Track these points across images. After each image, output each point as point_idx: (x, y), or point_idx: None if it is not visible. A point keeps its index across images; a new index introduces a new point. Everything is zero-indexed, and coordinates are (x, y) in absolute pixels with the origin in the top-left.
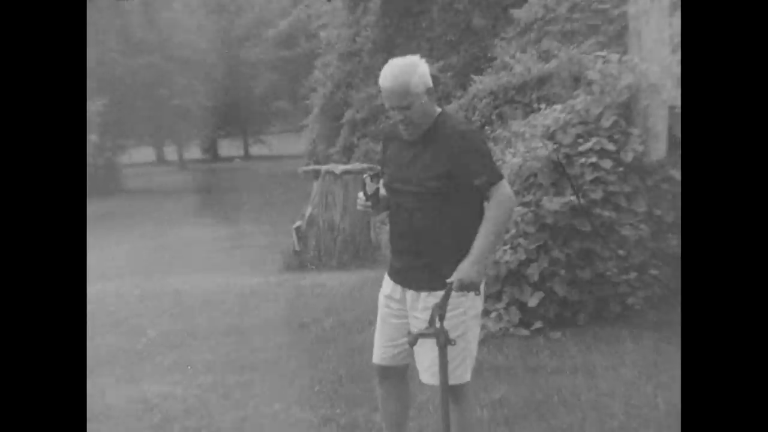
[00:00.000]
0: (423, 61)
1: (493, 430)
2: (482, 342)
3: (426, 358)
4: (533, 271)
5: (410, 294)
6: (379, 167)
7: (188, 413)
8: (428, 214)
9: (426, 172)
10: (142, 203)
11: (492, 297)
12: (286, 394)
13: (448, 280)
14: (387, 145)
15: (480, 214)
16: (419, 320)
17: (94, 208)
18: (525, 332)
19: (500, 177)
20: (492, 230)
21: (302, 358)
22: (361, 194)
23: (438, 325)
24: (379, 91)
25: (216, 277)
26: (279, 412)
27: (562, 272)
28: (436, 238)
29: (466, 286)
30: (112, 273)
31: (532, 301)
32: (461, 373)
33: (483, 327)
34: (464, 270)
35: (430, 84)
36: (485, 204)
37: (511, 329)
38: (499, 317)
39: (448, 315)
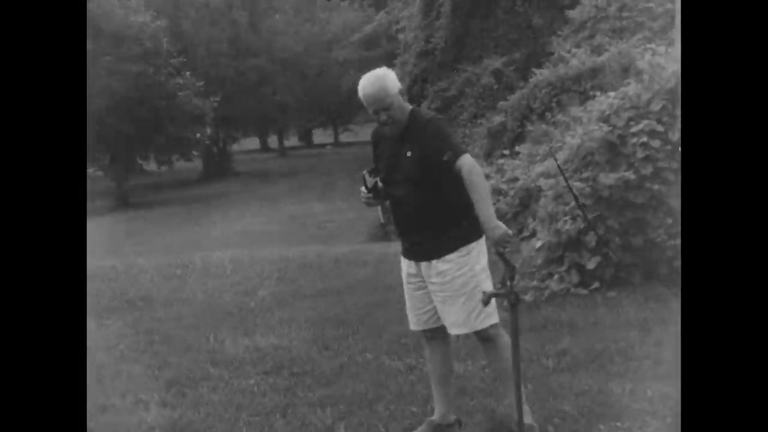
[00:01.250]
0: (390, 70)
1: (557, 376)
2: (546, 300)
3: (451, 314)
4: (591, 239)
5: (423, 265)
6: (374, 165)
7: (294, 362)
8: (419, 197)
9: (409, 162)
10: (250, 184)
11: (554, 261)
12: (376, 346)
13: (489, 244)
14: (377, 145)
15: (458, 187)
16: (437, 284)
17: (210, 189)
18: (584, 292)
19: (464, 151)
20: (483, 193)
21: (389, 314)
22: (363, 188)
23: (508, 285)
24: (451, 84)
25: (314, 246)
26: (371, 361)
27: (617, 239)
28: (430, 215)
29: (502, 240)
30: (228, 244)
31: (591, 264)
32: (485, 318)
33: (547, 287)
34: (491, 231)
35: (400, 86)
36: (461, 176)
37: (572, 289)
38: (561, 279)
39: (458, 273)
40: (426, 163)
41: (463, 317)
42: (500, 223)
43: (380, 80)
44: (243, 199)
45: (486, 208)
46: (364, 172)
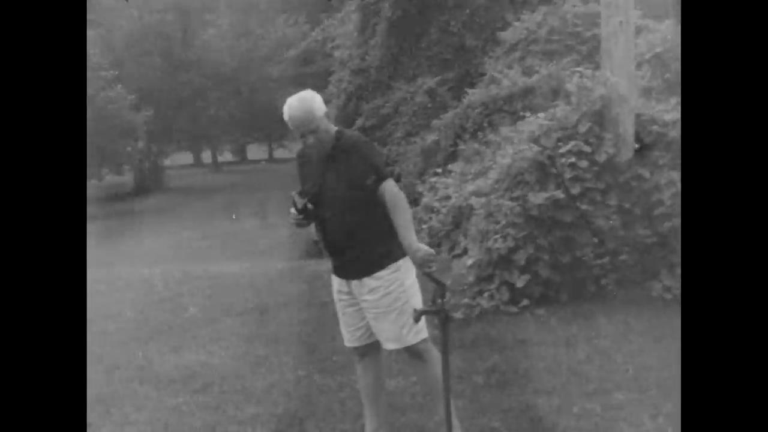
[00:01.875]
0: (316, 93)
1: (486, 393)
2: (477, 318)
3: (384, 330)
4: (521, 257)
5: (354, 283)
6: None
7: (224, 379)
8: (347, 217)
9: (336, 184)
10: (182, 200)
11: (485, 279)
12: (307, 363)
13: (415, 261)
14: (302, 166)
15: (384, 207)
16: (369, 301)
17: (142, 203)
18: (514, 309)
19: (387, 176)
20: (405, 218)
21: (322, 331)
22: (292, 210)
23: (439, 303)
24: (386, 102)
25: (246, 262)
26: (302, 378)
27: (546, 257)
28: (358, 234)
29: (425, 262)
30: (158, 259)
31: (520, 282)
32: (416, 333)
33: (477, 305)
34: (413, 254)
35: (325, 109)
36: (383, 200)
37: (502, 307)
38: (491, 296)
39: (389, 290)
40: (352, 185)
41: (395, 332)
42: (422, 245)
43: (306, 103)
44: (175, 214)
45: (408, 233)
46: (293, 193)
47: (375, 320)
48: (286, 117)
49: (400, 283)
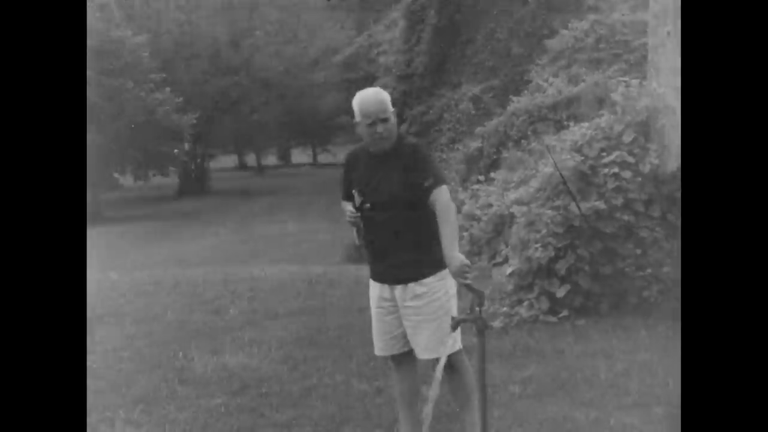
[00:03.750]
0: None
1: (523, 403)
2: (515, 327)
3: (422, 339)
4: (561, 267)
5: (398, 289)
6: (343, 187)
7: (262, 382)
8: (401, 219)
9: (396, 185)
10: (226, 203)
11: (525, 288)
12: (346, 368)
13: (452, 271)
14: (353, 167)
15: (434, 215)
16: (412, 308)
17: (186, 205)
18: (553, 319)
19: (444, 181)
20: (452, 228)
21: (360, 336)
22: (350, 207)
23: (477, 311)
24: (429, 108)
25: (288, 266)
26: (339, 383)
27: (587, 268)
28: (411, 238)
29: (460, 271)
30: (202, 261)
31: (560, 292)
32: (452, 343)
33: (516, 314)
34: (454, 263)
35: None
36: (432, 206)
37: (541, 316)
38: (531, 305)
39: (434, 297)
40: (408, 186)
41: (434, 342)
42: (460, 255)
43: (382, 93)
44: (219, 217)
45: (451, 243)
46: (354, 190)
47: (414, 328)
48: (359, 103)
49: (445, 291)
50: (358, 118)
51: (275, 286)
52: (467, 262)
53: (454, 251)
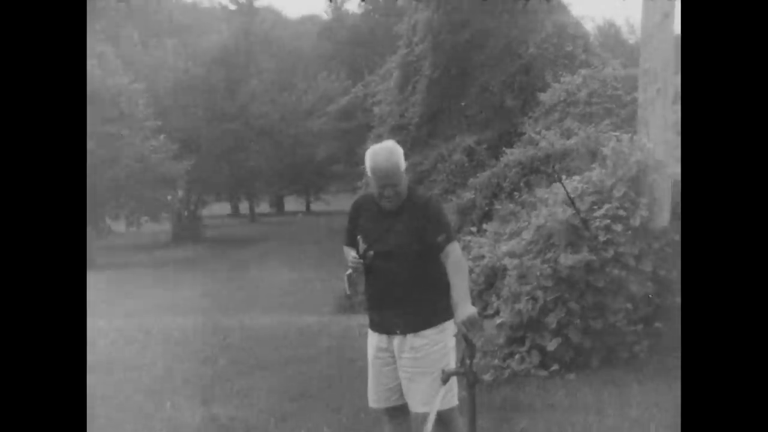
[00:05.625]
0: (398, 145)
1: None
2: (506, 380)
3: (417, 391)
4: (552, 320)
5: (397, 339)
6: (347, 235)
7: None
8: (407, 270)
9: (403, 236)
10: (218, 250)
11: (516, 341)
12: (334, 420)
13: (457, 321)
14: (358, 215)
15: (442, 267)
16: (409, 359)
17: (178, 253)
18: (544, 373)
19: (455, 238)
20: (464, 280)
21: (350, 388)
22: (354, 254)
23: (467, 364)
24: (424, 159)
25: (279, 315)
26: None
27: (577, 321)
28: (414, 289)
29: (471, 320)
30: (193, 308)
31: (551, 346)
32: (450, 399)
33: (507, 367)
34: (466, 311)
35: (405, 163)
36: (444, 260)
37: (532, 370)
38: (522, 359)
39: (432, 350)
40: (421, 240)
41: (430, 395)
42: (473, 307)
43: (394, 156)
44: (211, 264)
45: (465, 296)
46: (359, 237)
47: (410, 380)
48: (371, 167)
49: (443, 345)
50: (368, 173)
51: (266, 335)
52: (477, 317)
53: (467, 301)
